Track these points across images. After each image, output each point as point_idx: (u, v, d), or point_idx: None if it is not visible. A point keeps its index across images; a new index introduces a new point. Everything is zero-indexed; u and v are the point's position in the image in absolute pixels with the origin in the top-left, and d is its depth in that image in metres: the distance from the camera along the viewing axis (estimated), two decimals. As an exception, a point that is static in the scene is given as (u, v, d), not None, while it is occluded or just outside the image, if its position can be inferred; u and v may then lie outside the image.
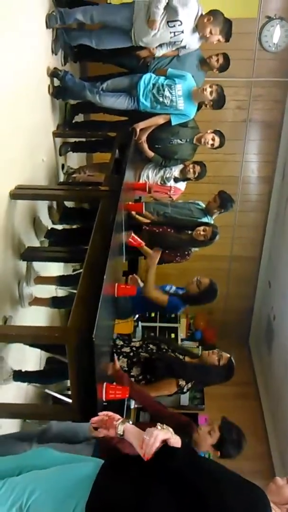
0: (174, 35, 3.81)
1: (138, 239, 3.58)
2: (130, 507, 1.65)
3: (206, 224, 3.85)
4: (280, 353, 6.53)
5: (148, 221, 3.97)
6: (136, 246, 3.65)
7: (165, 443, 1.72)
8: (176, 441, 1.74)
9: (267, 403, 6.86)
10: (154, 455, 1.67)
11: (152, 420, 2.30)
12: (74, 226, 4.48)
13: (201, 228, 3.77)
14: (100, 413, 2.02)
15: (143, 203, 3.99)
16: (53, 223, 4.21)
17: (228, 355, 3.01)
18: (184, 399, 6.04)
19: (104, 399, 2.37)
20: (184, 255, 3.95)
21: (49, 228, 4.05)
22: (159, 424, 1.77)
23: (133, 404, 4.24)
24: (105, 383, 2.43)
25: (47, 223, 4.14)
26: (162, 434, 1.71)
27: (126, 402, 4.14)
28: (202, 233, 3.75)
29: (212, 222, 4.20)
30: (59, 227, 4.24)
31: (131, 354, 3.13)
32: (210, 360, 2.99)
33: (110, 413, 1.96)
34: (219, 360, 2.96)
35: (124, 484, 1.72)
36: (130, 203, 3.86)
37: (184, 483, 1.62)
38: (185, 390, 3.09)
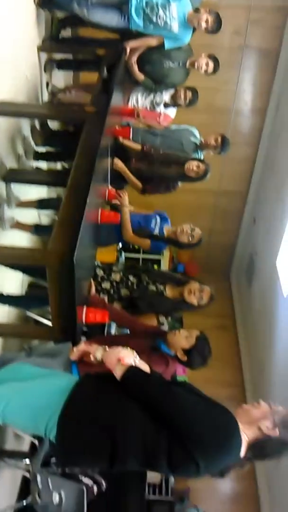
0: None
1: (117, 195, 3.36)
2: (103, 417, 1.77)
3: (200, 160, 3.72)
4: (259, 288, 6.66)
5: (137, 148, 3.82)
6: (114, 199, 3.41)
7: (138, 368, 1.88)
8: (141, 364, 1.92)
9: (243, 335, 7.08)
10: (131, 377, 1.79)
11: (132, 336, 2.39)
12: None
13: (195, 163, 3.64)
14: (79, 347, 2.19)
15: (131, 128, 3.83)
16: (36, 145, 4.06)
17: (208, 293, 3.03)
18: (164, 329, 6.17)
19: (83, 322, 2.38)
20: (169, 188, 3.85)
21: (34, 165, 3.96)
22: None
23: (113, 330, 4.32)
24: (85, 307, 2.44)
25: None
26: (124, 352, 1.89)
27: (106, 329, 4.21)
28: (195, 168, 3.62)
29: (202, 157, 4.09)
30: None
31: (112, 291, 3.14)
32: (189, 301, 3.03)
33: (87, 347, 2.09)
34: (198, 302, 3.02)
35: (100, 395, 1.83)
36: (117, 127, 3.72)
37: (155, 406, 1.75)
38: (164, 324, 3.18)
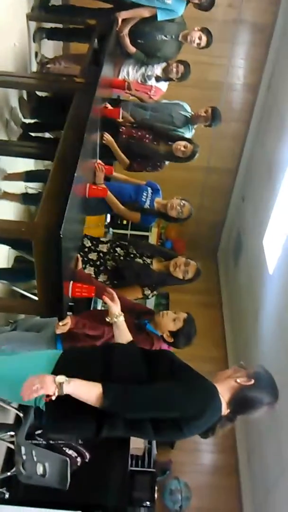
0: None
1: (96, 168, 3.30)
2: (97, 365, 1.91)
3: (189, 140, 3.67)
4: (246, 266, 6.71)
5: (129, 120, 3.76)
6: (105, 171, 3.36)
7: None
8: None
9: (229, 312, 7.16)
10: (112, 406, 1.78)
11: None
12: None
13: (182, 143, 3.59)
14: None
15: (120, 109, 3.74)
16: (24, 117, 3.98)
17: (194, 268, 3.04)
18: (149, 304, 6.22)
19: (70, 296, 2.38)
20: (155, 166, 3.80)
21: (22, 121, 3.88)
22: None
23: (99, 306, 4.32)
24: (71, 282, 2.43)
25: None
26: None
27: (92, 304, 4.22)
28: (182, 148, 3.57)
29: (193, 132, 4.04)
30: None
31: (98, 262, 3.13)
32: (175, 274, 3.04)
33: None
34: (184, 276, 3.03)
35: (86, 363, 1.95)
36: (107, 106, 3.63)
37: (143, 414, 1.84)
38: (150, 297, 3.22)
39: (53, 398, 1.72)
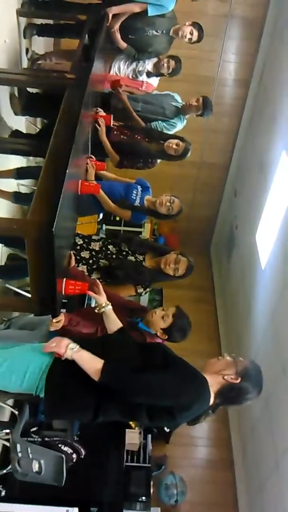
0: None
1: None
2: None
3: (181, 138, 3.66)
4: (239, 261, 6.73)
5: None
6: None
7: None
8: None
9: (222, 307, 7.18)
10: (107, 379, 1.94)
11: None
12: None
13: (174, 141, 3.59)
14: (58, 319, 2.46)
15: (112, 116, 3.72)
16: (15, 113, 3.96)
17: (185, 265, 3.04)
18: (143, 300, 6.23)
19: (63, 293, 2.38)
20: (147, 163, 3.79)
21: (13, 129, 3.85)
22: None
23: (93, 303, 4.32)
24: (64, 279, 2.43)
25: (11, 123, 3.90)
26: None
27: (86, 301, 4.22)
28: (174, 147, 3.57)
29: (184, 122, 4.03)
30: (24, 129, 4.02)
31: (90, 261, 3.12)
32: (166, 271, 3.05)
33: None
34: (174, 273, 3.03)
35: (88, 345, 2.06)
36: (98, 112, 3.61)
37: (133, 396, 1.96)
38: (143, 294, 3.24)
39: (62, 358, 1.99)
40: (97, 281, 2.49)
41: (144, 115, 3.91)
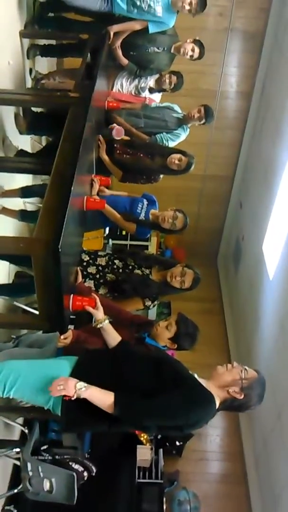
0: None
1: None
2: (108, 372, 2.12)
3: (183, 153, 3.69)
4: (246, 272, 6.71)
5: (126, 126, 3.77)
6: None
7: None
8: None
9: (231, 319, 7.14)
10: (121, 414, 1.99)
11: (117, 326, 2.42)
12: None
13: (177, 156, 3.58)
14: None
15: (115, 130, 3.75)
16: (20, 133, 4.01)
17: (191, 277, 3.05)
18: (152, 313, 6.22)
19: (71, 309, 2.38)
20: (149, 179, 3.81)
21: (19, 148, 3.89)
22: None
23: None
24: (72, 295, 2.44)
25: (16, 142, 3.96)
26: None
27: (94, 317, 4.21)
28: (176, 162, 3.57)
29: (188, 131, 4.05)
30: (29, 148, 4.07)
31: (97, 276, 3.14)
32: (172, 284, 3.06)
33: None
34: (181, 286, 3.05)
35: (97, 372, 2.13)
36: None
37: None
38: (151, 307, 3.25)
39: (72, 399, 1.98)
40: (95, 295, 2.47)
41: (148, 130, 3.94)
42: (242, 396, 2.07)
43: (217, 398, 2.06)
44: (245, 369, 2.12)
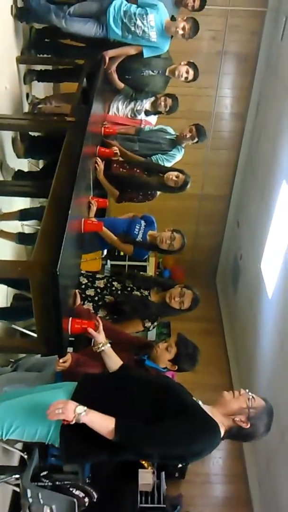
0: None
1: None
2: (110, 397, 2.04)
3: (180, 171, 3.73)
4: (245, 291, 6.70)
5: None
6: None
7: None
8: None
9: (231, 338, 7.11)
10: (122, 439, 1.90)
11: (117, 349, 2.40)
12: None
13: (174, 173, 3.64)
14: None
15: (114, 148, 3.81)
16: (18, 156, 4.04)
17: (190, 297, 3.04)
18: (151, 334, 6.19)
19: (70, 332, 2.37)
20: (146, 196, 3.84)
21: (16, 170, 3.92)
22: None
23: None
24: (70, 318, 2.43)
25: (14, 164, 3.99)
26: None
27: (93, 340, 4.18)
28: (174, 178, 3.62)
29: (182, 152, 4.11)
30: (25, 168, 4.11)
31: (96, 298, 3.14)
32: (171, 305, 3.06)
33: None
34: (180, 306, 3.04)
35: (96, 401, 2.00)
36: (101, 149, 3.70)
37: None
38: (150, 329, 3.22)
39: (71, 423, 1.88)
40: (98, 319, 2.46)
41: (143, 152, 3.99)
42: (249, 426, 1.98)
43: (222, 427, 1.99)
44: (253, 397, 2.02)
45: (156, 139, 4.08)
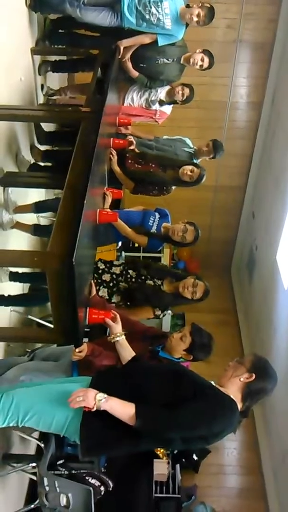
0: None
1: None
2: (125, 389, 2.04)
3: (195, 164, 3.70)
4: (260, 283, 6.66)
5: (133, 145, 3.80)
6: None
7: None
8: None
9: (246, 329, 7.08)
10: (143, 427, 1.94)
11: (131, 339, 2.42)
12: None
13: (189, 167, 3.63)
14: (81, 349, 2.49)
15: (128, 140, 3.79)
16: (36, 161, 4.08)
17: (203, 288, 3.06)
18: (166, 325, 6.19)
19: (87, 322, 2.39)
20: (161, 190, 3.83)
21: (31, 162, 3.94)
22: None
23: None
24: (88, 308, 2.44)
25: (29, 156, 4.01)
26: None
27: (108, 330, 4.20)
28: (189, 173, 3.61)
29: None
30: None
31: (111, 284, 3.20)
32: (184, 295, 3.09)
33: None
34: (192, 296, 3.07)
35: (114, 378, 2.13)
36: (115, 140, 3.69)
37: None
38: (160, 317, 3.30)
39: (92, 410, 1.92)
40: (115, 311, 2.48)
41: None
42: (254, 377, 2.07)
43: (236, 395, 2.06)
44: (239, 358, 2.19)
45: (173, 149, 4.05)
